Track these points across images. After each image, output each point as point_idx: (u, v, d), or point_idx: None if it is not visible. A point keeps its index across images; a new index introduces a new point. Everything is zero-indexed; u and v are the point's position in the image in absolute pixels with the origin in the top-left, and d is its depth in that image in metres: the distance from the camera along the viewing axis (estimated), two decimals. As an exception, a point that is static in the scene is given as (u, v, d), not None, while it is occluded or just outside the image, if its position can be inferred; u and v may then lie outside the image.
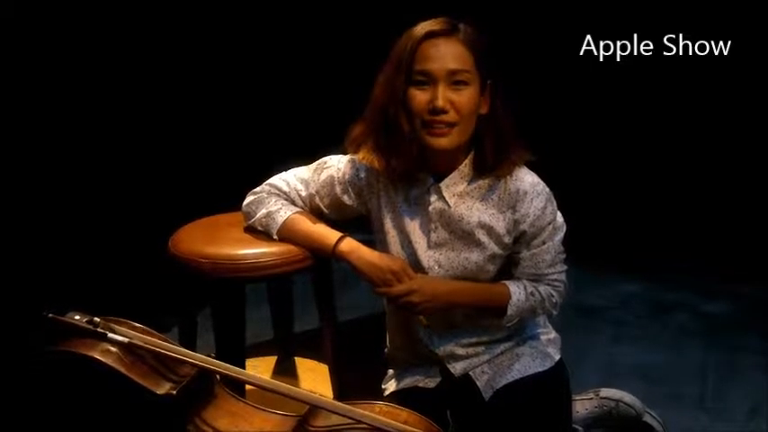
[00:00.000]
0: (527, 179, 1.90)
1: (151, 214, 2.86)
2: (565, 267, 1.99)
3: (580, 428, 2.18)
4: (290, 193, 2.05)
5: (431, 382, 2.02)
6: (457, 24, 1.83)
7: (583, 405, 2.21)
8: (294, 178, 2.06)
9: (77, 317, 1.55)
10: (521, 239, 1.92)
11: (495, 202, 1.90)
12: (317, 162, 2.07)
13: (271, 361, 2.62)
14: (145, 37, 2.90)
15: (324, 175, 2.03)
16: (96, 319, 1.54)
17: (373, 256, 1.91)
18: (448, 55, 1.79)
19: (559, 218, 1.96)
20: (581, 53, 3.43)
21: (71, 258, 2.62)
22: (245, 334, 2.14)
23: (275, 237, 2.02)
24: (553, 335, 2.10)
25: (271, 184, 2.07)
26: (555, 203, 1.94)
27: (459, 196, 1.90)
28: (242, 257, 2.01)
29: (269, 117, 3.53)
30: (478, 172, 1.89)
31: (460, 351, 2.01)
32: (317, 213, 2.05)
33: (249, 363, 2.43)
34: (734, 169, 3.44)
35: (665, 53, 3.36)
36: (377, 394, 2.07)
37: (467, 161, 1.89)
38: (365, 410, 1.52)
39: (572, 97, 3.50)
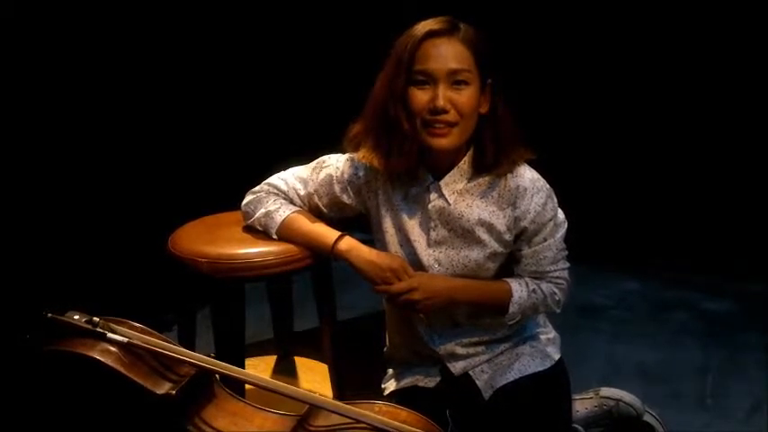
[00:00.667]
0: (527, 175, 1.90)
1: (150, 214, 2.86)
2: (567, 265, 1.99)
3: (580, 428, 2.18)
4: (288, 192, 2.05)
5: (430, 382, 2.02)
6: (457, 24, 1.83)
7: (583, 404, 2.21)
8: (293, 177, 2.06)
9: (77, 316, 1.55)
10: (522, 236, 1.92)
11: (495, 199, 1.90)
12: (315, 161, 2.06)
13: (270, 360, 2.62)
14: (145, 37, 2.90)
15: (322, 174, 2.02)
16: (96, 318, 1.54)
17: (372, 255, 1.91)
18: (448, 55, 1.79)
19: (560, 215, 1.96)
20: (580, 52, 3.45)
21: (70, 258, 2.62)
22: (244, 333, 2.14)
23: (274, 236, 2.02)
24: (553, 334, 2.10)
25: (269, 184, 2.07)
26: (555, 200, 1.94)
27: (459, 194, 1.90)
28: (241, 257, 2.01)
29: (268, 116, 3.53)
30: (478, 170, 1.89)
31: (460, 350, 2.01)
32: (315, 212, 2.04)
33: (249, 362, 2.43)
34: (734, 167, 3.44)
35: (664, 52, 3.38)
36: (376, 394, 2.07)
37: (466, 158, 1.89)
38: (365, 410, 1.52)
39: (572, 96, 3.50)
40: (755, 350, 2.93)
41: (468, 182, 1.90)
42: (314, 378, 2.50)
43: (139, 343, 1.53)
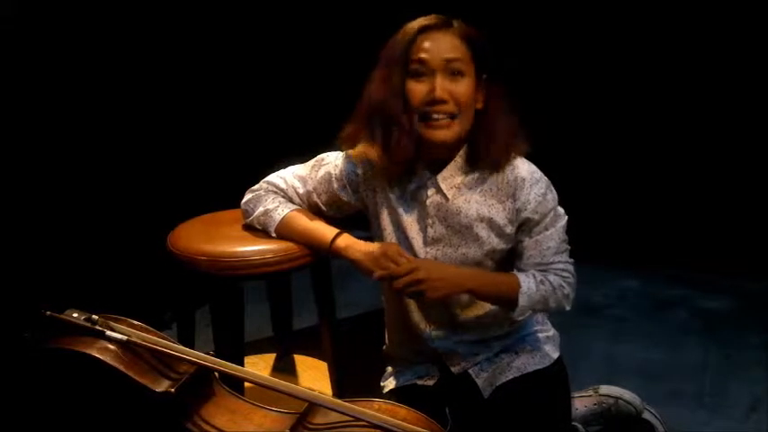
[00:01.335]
0: (524, 167, 1.90)
1: (150, 212, 2.86)
2: (571, 260, 1.96)
3: (580, 426, 2.18)
4: (287, 190, 2.05)
5: (430, 380, 2.02)
6: (451, 20, 1.84)
7: (582, 402, 2.21)
8: (291, 176, 2.06)
9: (76, 315, 1.55)
10: (524, 227, 1.90)
11: (494, 192, 1.90)
12: (314, 159, 2.06)
13: (270, 358, 2.62)
14: (145, 36, 2.90)
15: (321, 172, 2.02)
16: (95, 316, 1.54)
17: (368, 247, 1.89)
18: (444, 45, 1.80)
19: (560, 208, 1.95)
20: (582, 51, 3.45)
21: (70, 256, 2.62)
22: (243, 331, 2.14)
23: (273, 234, 2.02)
24: (552, 332, 2.10)
25: (268, 182, 2.07)
26: (554, 191, 1.92)
27: (457, 188, 1.90)
28: (240, 255, 2.01)
29: (268, 115, 3.53)
30: (472, 164, 1.89)
31: (460, 349, 2.00)
32: (314, 210, 2.04)
33: (248, 360, 2.43)
34: (733, 166, 3.44)
35: (665, 51, 3.38)
36: (376, 391, 2.07)
37: (461, 153, 1.89)
38: (364, 408, 1.52)
39: (571, 94, 3.50)
40: (755, 348, 2.93)
41: (466, 176, 1.90)
42: (313, 376, 2.50)
43: (138, 341, 1.53)
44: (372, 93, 1.86)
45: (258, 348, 2.67)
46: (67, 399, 1.56)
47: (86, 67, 2.68)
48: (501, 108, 1.87)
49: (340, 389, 2.26)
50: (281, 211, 2.01)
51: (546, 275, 1.91)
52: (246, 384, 1.89)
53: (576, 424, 2.17)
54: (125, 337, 1.52)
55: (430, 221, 1.92)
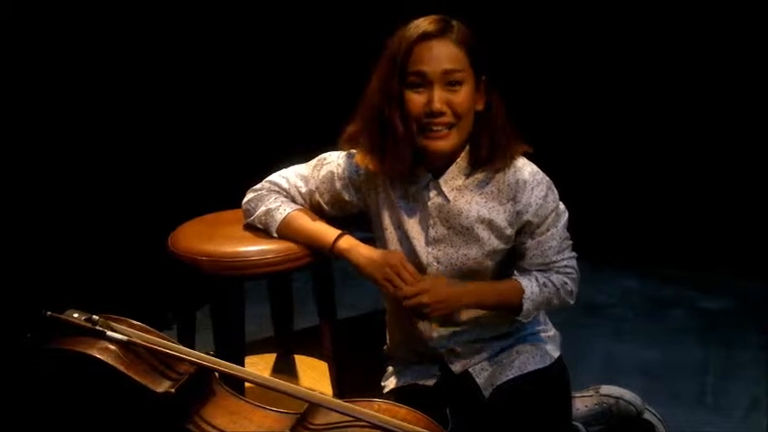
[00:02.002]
0: (526, 169, 1.90)
1: (150, 212, 2.86)
2: (574, 254, 1.96)
3: (580, 426, 2.18)
4: (289, 189, 2.05)
5: (430, 380, 2.02)
6: (449, 23, 1.82)
7: (583, 402, 2.21)
8: (294, 175, 2.06)
9: (76, 315, 1.55)
10: (525, 230, 1.91)
11: (495, 194, 1.90)
12: (316, 159, 2.06)
13: (270, 358, 2.62)
14: (145, 36, 2.90)
15: (323, 171, 2.02)
16: (95, 317, 1.54)
17: (371, 253, 1.90)
18: (442, 56, 1.79)
19: (561, 205, 1.95)
20: (582, 49, 3.44)
21: (70, 256, 2.62)
22: (244, 331, 2.14)
23: (275, 234, 2.02)
24: (552, 332, 2.10)
25: (270, 182, 2.07)
26: (556, 192, 1.92)
27: (459, 190, 1.90)
28: (241, 255, 2.01)
29: (269, 114, 3.53)
30: (474, 165, 1.89)
31: (460, 349, 2.01)
32: (317, 210, 2.04)
33: (248, 360, 2.43)
34: (732, 165, 3.44)
35: (666, 50, 3.38)
36: (376, 392, 2.07)
37: (463, 155, 1.89)
38: (364, 408, 1.51)
39: (571, 94, 3.50)
40: (755, 348, 2.93)
41: (467, 178, 1.90)
42: (314, 376, 2.50)
43: (139, 341, 1.53)
44: (370, 98, 1.86)
45: (258, 348, 2.67)
46: (68, 399, 1.56)
47: (87, 68, 2.68)
48: (501, 108, 1.87)
49: (340, 389, 2.25)
50: (282, 210, 2.01)
51: (548, 276, 1.92)
52: (247, 385, 1.89)
53: (576, 424, 2.17)
54: (125, 338, 1.52)
55: (431, 222, 1.92)
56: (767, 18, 3.22)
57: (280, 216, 2.01)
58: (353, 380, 2.25)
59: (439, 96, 1.78)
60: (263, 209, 2.03)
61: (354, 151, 1.96)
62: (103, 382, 1.51)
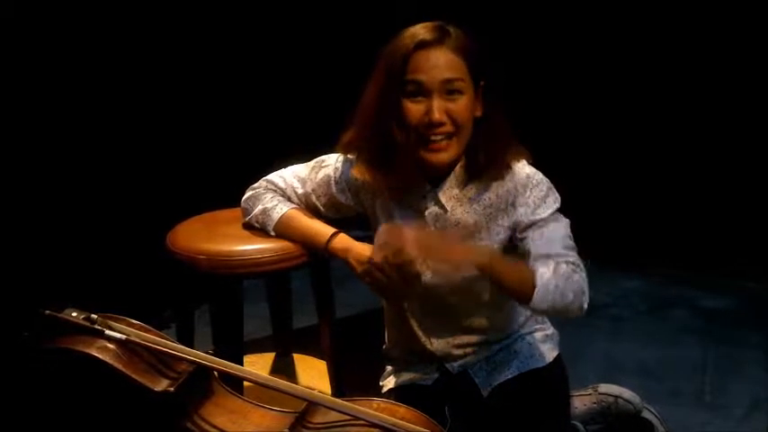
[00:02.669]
0: (524, 172, 1.86)
1: (149, 211, 2.86)
2: (581, 261, 1.83)
3: (579, 425, 2.18)
4: (286, 189, 2.04)
5: (429, 379, 2.02)
6: (447, 30, 1.79)
7: (581, 401, 2.21)
8: (291, 176, 2.05)
9: (74, 314, 1.54)
10: (526, 229, 1.83)
11: (492, 201, 1.87)
12: (314, 160, 2.05)
13: (269, 357, 2.62)
14: (145, 36, 2.90)
15: (321, 174, 2.01)
16: (93, 315, 1.54)
17: (363, 252, 1.85)
18: (440, 64, 1.75)
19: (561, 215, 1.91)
20: (582, 50, 3.44)
21: (68, 255, 2.62)
22: (242, 330, 2.14)
23: (272, 233, 2.02)
24: (551, 331, 2.10)
25: (268, 180, 2.06)
26: (557, 193, 1.86)
27: (457, 199, 1.88)
28: (239, 254, 2.01)
29: (268, 114, 3.53)
30: (472, 174, 1.86)
31: (457, 351, 1.99)
32: (313, 211, 2.03)
33: (247, 359, 2.43)
34: (733, 165, 3.44)
35: (667, 51, 3.38)
36: (375, 391, 2.07)
37: (461, 163, 1.86)
38: (363, 407, 1.51)
39: (571, 95, 3.49)
40: (755, 348, 2.93)
41: (465, 186, 1.87)
42: (312, 375, 2.50)
43: (137, 340, 1.53)
44: (367, 106, 1.83)
45: (257, 347, 2.67)
46: (66, 398, 1.55)
47: (87, 67, 2.68)
48: (500, 114, 1.85)
49: (339, 388, 2.26)
50: (279, 209, 2.01)
51: (558, 263, 1.78)
52: (246, 383, 1.89)
53: (575, 423, 2.17)
54: (124, 336, 1.52)
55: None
56: (767, 18, 3.22)
57: (276, 215, 2.00)
58: (352, 379, 2.26)
59: (438, 106, 1.75)
60: (260, 207, 2.03)
61: (353, 156, 1.94)
62: (102, 381, 1.51)
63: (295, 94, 3.57)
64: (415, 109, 1.77)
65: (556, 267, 1.76)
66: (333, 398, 1.60)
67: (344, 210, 2.03)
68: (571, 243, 1.87)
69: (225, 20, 3.30)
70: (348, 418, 1.49)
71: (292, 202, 2.04)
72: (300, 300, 2.61)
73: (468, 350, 2.00)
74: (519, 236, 1.87)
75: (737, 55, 3.29)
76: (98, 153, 2.76)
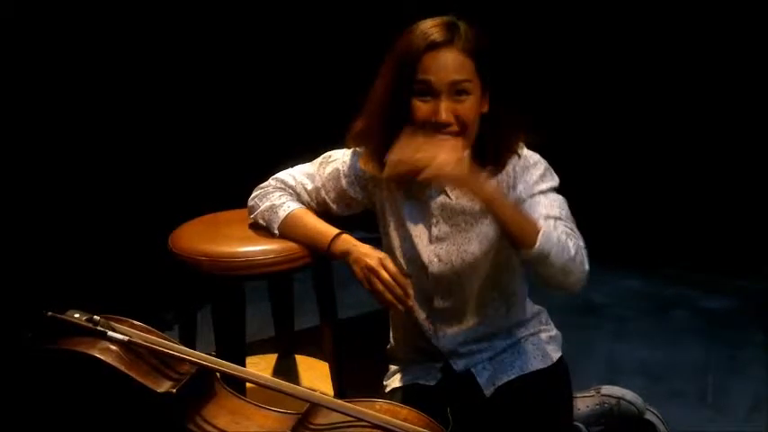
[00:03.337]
0: (522, 154, 1.89)
1: (151, 212, 2.86)
2: (580, 237, 1.80)
3: (581, 426, 2.18)
4: (296, 187, 2.04)
5: (432, 379, 2.02)
6: (456, 29, 1.80)
7: (584, 402, 2.21)
8: (300, 173, 2.06)
9: (77, 315, 1.55)
10: (525, 203, 1.82)
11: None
12: (321, 157, 2.06)
13: (271, 359, 2.62)
14: (147, 36, 2.90)
15: (329, 169, 2.02)
16: (96, 317, 1.54)
17: (363, 253, 1.86)
18: (449, 66, 1.77)
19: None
20: (585, 49, 3.44)
21: (71, 257, 2.62)
22: (245, 332, 2.14)
23: (276, 231, 2.01)
24: (554, 332, 2.10)
25: (277, 179, 2.07)
26: (555, 176, 1.88)
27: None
28: (242, 255, 2.01)
29: (272, 115, 3.53)
30: (477, 165, 1.87)
31: (463, 349, 2.00)
32: (323, 207, 2.04)
33: (249, 361, 2.43)
34: (734, 165, 3.44)
35: (668, 50, 3.38)
36: (378, 392, 2.07)
37: (467, 153, 1.88)
38: (365, 408, 1.51)
39: (573, 95, 3.50)
40: (756, 348, 2.92)
41: None
42: (315, 376, 2.50)
43: (140, 341, 1.53)
44: (377, 99, 1.85)
45: (259, 349, 2.67)
46: (69, 399, 1.56)
47: (88, 68, 2.68)
48: (507, 109, 1.86)
49: (341, 389, 2.25)
50: (286, 207, 2.00)
51: (557, 223, 1.77)
52: (248, 385, 1.89)
53: (577, 424, 2.17)
54: (126, 338, 1.52)
55: (434, 220, 1.92)
56: (767, 18, 3.22)
57: (283, 213, 2.00)
58: (354, 380, 2.25)
59: (445, 107, 1.77)
60: (267, 204, 2.03)
61: (360, 149, 1.96)
62: (104, 383, 1.51)
63: (298, 95, 3.57)
64: (423, 107, 1.79)
65: (556, 224, 1.75)
66: (335, 399, 1.60)
67: (354, 204, 2.03)
68: (570, 216, 1.84)
69: (228, 21, 3.30)
70: (350, 419, 1.49)
71: (302, 199, 2.04)
72: (302, 301, 2.61)
73: (474, 347, 2.00)
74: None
75: (738, 55, 3.29)
76: (100, 155, 2.76)
